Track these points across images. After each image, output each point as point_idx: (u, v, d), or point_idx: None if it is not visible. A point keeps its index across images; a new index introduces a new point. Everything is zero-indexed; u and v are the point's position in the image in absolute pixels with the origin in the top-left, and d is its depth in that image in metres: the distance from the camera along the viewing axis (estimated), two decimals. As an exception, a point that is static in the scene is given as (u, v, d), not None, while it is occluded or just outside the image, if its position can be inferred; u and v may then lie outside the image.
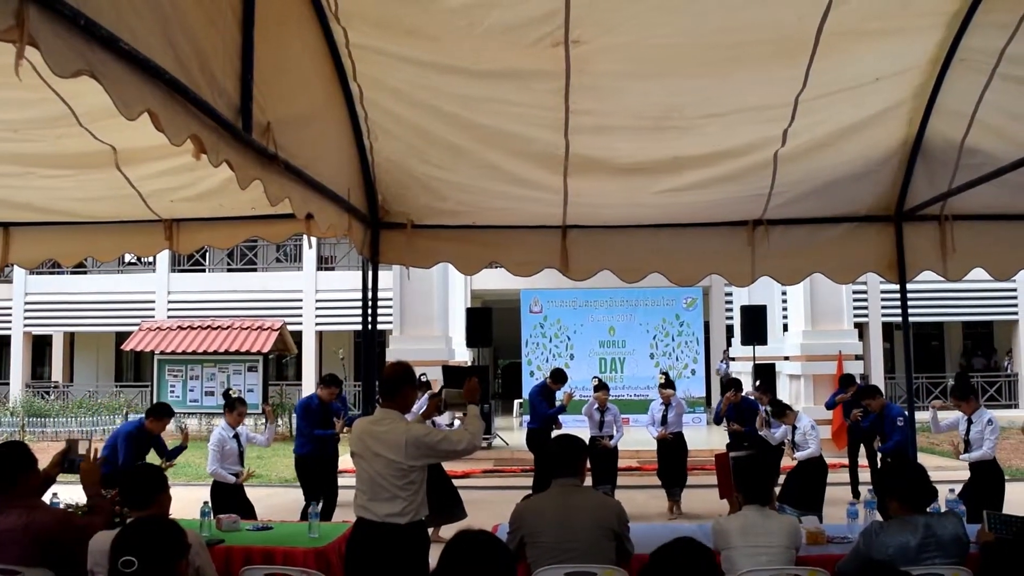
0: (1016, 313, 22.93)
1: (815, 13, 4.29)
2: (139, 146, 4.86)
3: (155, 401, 17.68)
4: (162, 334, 19.23)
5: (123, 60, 2.62)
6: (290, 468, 10.98)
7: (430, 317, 16.55)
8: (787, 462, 8.93)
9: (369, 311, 6.46)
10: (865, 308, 22.00)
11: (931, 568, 3.68)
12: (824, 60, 4.58)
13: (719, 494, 9.64)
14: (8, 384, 24.72)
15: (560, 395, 10.57)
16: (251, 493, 7.61)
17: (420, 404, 6.56)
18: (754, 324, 15.61)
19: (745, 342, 15.86)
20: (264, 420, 8.55)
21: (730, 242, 6.36)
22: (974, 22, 4.59)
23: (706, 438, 16.54)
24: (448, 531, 8.27)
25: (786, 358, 16.64)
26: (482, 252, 6.43)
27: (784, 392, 15.74)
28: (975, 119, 5.19)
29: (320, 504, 6.34)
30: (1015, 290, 22.51)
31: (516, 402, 21.81)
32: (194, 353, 18.69)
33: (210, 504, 6.09)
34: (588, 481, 8.61)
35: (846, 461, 11.44)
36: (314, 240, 6.61)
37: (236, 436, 7.55)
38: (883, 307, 22.11)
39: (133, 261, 25.39)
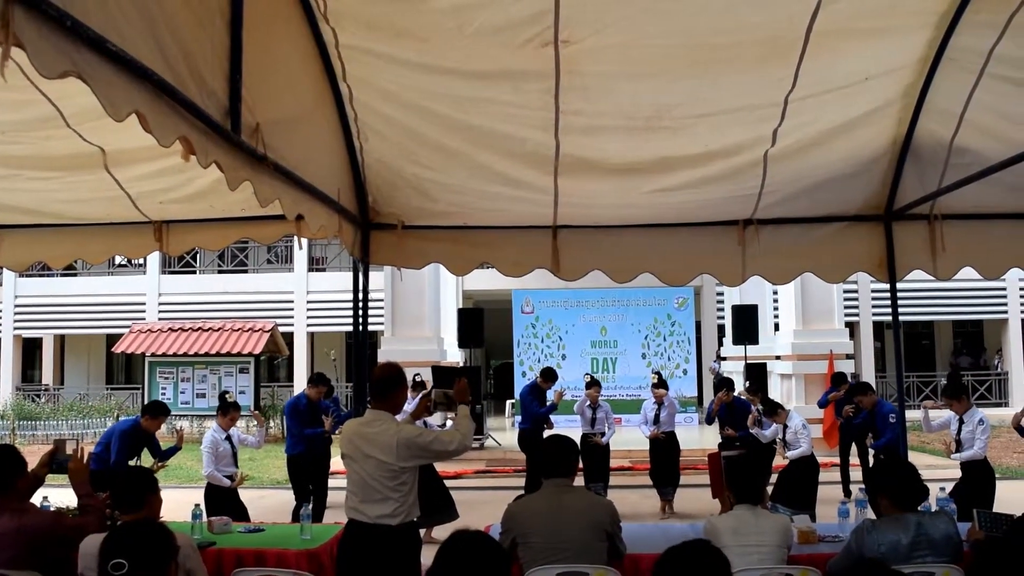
0: (1006, 312, 23.04)
1: (804, 13, 4.30)
2: (128, 147, 4.84)
3: (146, 404, 17.62)
4: (153, 336, 19.17)
5: (111, 61, 2.61)
6: (281, 470, 10.95)
7: (421, 318, 16.54)
8: (779, 461, 8.95)
9: (360, 312, 6.44)
10: (856, 307, 22.07)
11: (922, 567, 3.69)
12: (814, 60, 4.59)
13: (712, 493, 9.65)
14: (-2, 387, 24.62)
15: (551, 394, 10.57)
16: (242, 495, 7.59)
17: (412, 404, 6.55)
18: (745, 324, 15.63)
19: (736, 342, 15.88)
20: (254, 423, 8.54)
21: (721, 242, 6.36)
22: (963, 22, 4.61)
23: (698, 438, 16.56)
24: (440, 532, 8.26)
25: (777, 357, 16.68)
26: (473, 252, 6.43)
27: (775, 391, 15.77)
28: (964, 118, 5.20)
29: (311, 505, 6.33)
30: (1005, 289, 22.62)
31: (508, 402, 21.81)
32: (185, 355, 18.65)
33: (203, 506, 6.07)
34: (580, 480, 8.63)
35: (837, 460, 11.47)
36: (305, 241, 6.61)
37: (228, 438, 7.54)
38: (874, 306, 22.19)
39: (123, 263, 25.29)
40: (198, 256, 25.17)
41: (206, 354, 18.56)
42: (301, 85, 4.63)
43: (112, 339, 23.02)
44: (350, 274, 6.82)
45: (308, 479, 8.89)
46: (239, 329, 19.26)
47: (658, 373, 10.75)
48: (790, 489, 8.28)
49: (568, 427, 10.11)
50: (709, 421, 10.35)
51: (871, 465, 9.96)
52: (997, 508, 5.88)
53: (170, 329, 19.46)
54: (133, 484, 3.92)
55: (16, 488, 4.01)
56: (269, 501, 10.66)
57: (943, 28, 4.71)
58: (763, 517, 4.19)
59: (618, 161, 5.55)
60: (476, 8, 4.22)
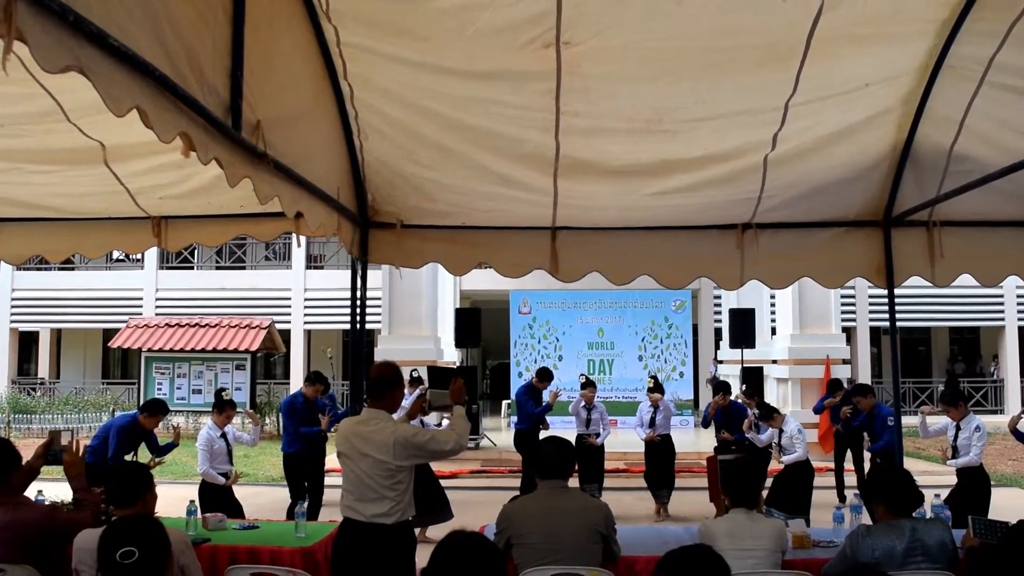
0: (1003, 319, 23.07)
1: (806, 18, 4.31)
2: (128, 142, 4.83)
3: (142, 399, 17.62)
4: (150, 331, 19.14)
5: (112, 56, 2.61)
6: (277, 467, 10.96)
7: (419, 317, 16.53)
8: (774, 465, 8.95)
9: (358, 310, 6.44)
10: (853, 313, 22.11)
11: (916, 573, 3.69)
12: (815, 65, 4.60)
13: (709, 497, 9.65)
14: (-7, 380, 24.58)
15: (546, 395, 10.56)
16: (237, 492, 7.59)
17: (409, 400, 6.56)
18: (742, 327, 15.63)
19: (733, 345, 15.88)
20: (249, 421, 8.54)
21: (719, 245, 6.37)
22: (963, 30, 4.62)
23: (694, 440, 16.56)
24: (435, 532, 8.26)
25: (774, 361, 16.68)
26: (472, 253, 6.43)
27: (771, 395, 15.78)
28: (964, 126, 5.21)
29: (306, 503, 6.33)
30: (1002, 296, 22.65)
31: (504, 403, 21.81)
32: (182, 351, 18.61)
33: (198, 503, 6.07)
34: (575, 481, 8.62)
35: (832, 465, 11.47)
36: (303, 239, 6.61)
37: (223, 435, 7.54)
38: (871, 312, 22.23)
39: (121, 258, 25.28)
40: (196, 252, 25.14)
41: (203, 350, 18.53)
42: (302, 83, 4.63)
43: (109, 334, 23.01)
44: (348, 272, 6.82)
45: (304, 477, 8.88)
46: (236, 326, 19.23)
47: (654, 377, 10.74)
48: (785, 494, 8.29)
49: (564, 428, 10.09)
50: (705, 425, 10.35)
51: (868, 470, 9.96)
52: (992, 515, 5.88)
53: (167, 324, 19.43)
54: (128, 480, 3.92)
55: (11, 482, 4.01)
56: (264, 498, 10.64)
57: (944, 36, 4.72)
58: (758, 521, 4.19)
59: (618, 163, 5.56)
60: (478, 8, 4.22)
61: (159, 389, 18.44)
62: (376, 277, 15.83)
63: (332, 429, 8.60)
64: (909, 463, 6.66)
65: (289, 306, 23.91)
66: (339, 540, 4.21)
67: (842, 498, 10.74)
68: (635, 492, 10.99)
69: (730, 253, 6.35)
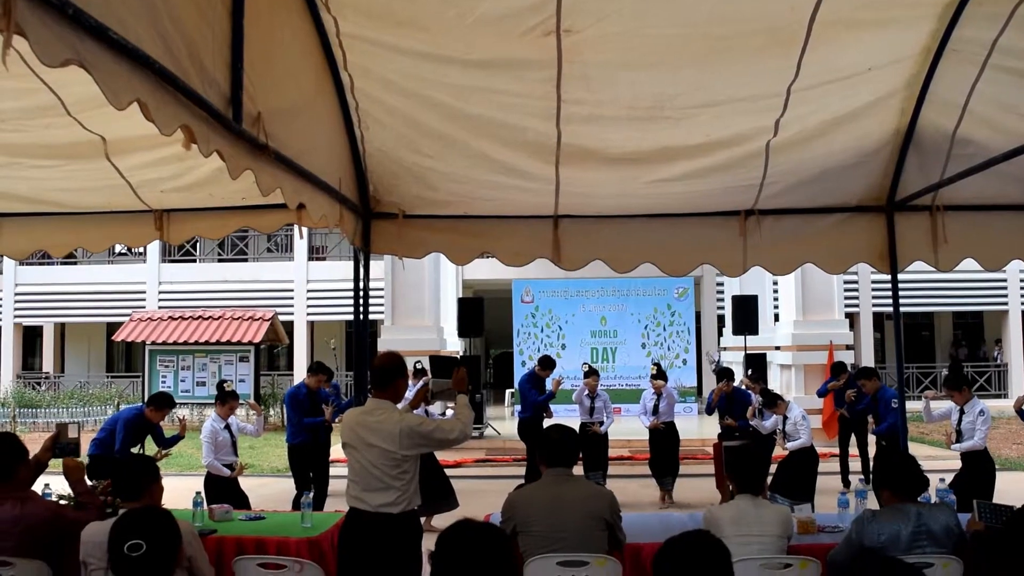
0: (1006, 303, 23.05)
1: (807, 3, 4.28)
2: (129, 136, 4.83)
3: (146, 392, 17.68)
4: (153, 324, 19.17)
5: (112, 50, 2.60)
6: (281, 458, 10.97)
7: (421, 307, 16.54)
8: (778, 452, 8.97)
9: (361, 301, 6.44)
10: (856, 298, 22.08)
11: (922, 557, 3.70)
12: (816, 50, 4.57)
13: (716, 483, 9.67)
14: (-1, 375, 24.65)
15: (549, 383, 10.57)
16: (243, 483, 7.61)
17: (413, 391, 6.56)
18: (745, 314, 15.62)
19: (736, 332, 15.88)
20: (253, 412, 8.54)
21: (722, 232, 6.35)
22: (966, 13, 4.59)
23: (698, 428, 16.59)
24: (440, 521, 8.29)
25: (777, 348, 16.68)
26: (474, 242, 6.42)
27: (775, 382, 15.79)
28: (967, 109, 5.19)
29: (312, 494, 6.34)
30: (1005, 280, 22.63)
31: (508, 391, 21.83)
32: (185, 343, 18.65)
33: (204, 495, 6.09)
34: (579, 469, 8.64)
35: (836, 450, 11.49)
36: (305, 230, 6.60)
37: (227, 427, 7.56)
38: (874, 297, 22.20)
39: (124, 251, 25.29)
40: (198, 245, 25.17)
41: (206, 342, 18.57)
42: (302, 74, 4.62)
43: (112, 327, 23.04)
44: (350, 263, 6.83)
45: (309, 468, 8.91)
46: (239, 318, 19.26)
47: (657, 364, 10.76)
48: (789, 480, 8.30)
49: (567, 416, 10.13)
50: (709, 411, 10.37)
51: (874, 455, 9.97)
52: (997, 499, 5.89)
53: (170, 317, 19.46)
54: (134, 472, 3.94)
55: (17, 476, 4.02)
56: (269, 489, 10.68)
57: (946, 19, 4.69)
58: (764, 507, 4.20)
59: (619, 151, 5.54)
60: (477, -3, 4.21)
61: (163, 382, 18.48)
62: (378, 268, 15.84)
63: (336, 419, 8.61)
64: (913, 448, 6.66)
65: (292, 298, 23.93)
66: (345, 530, 4.23)
67: (847, 483, 10.77)
68: (640, 479, 11.01)
69: (733, 240, 6.33)
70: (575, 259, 6.38)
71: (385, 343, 15.50)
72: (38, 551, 3.81)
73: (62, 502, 4.63)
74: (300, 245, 23.89)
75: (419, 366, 10.06)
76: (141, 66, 2.77)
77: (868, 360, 21.47)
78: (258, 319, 19.20)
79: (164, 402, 7.71)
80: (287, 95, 4.35)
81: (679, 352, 19.92)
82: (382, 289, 16.48)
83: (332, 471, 9.27)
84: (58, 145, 4.92)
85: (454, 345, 18.04)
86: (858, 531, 3.89)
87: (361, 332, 6.57)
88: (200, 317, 19.37)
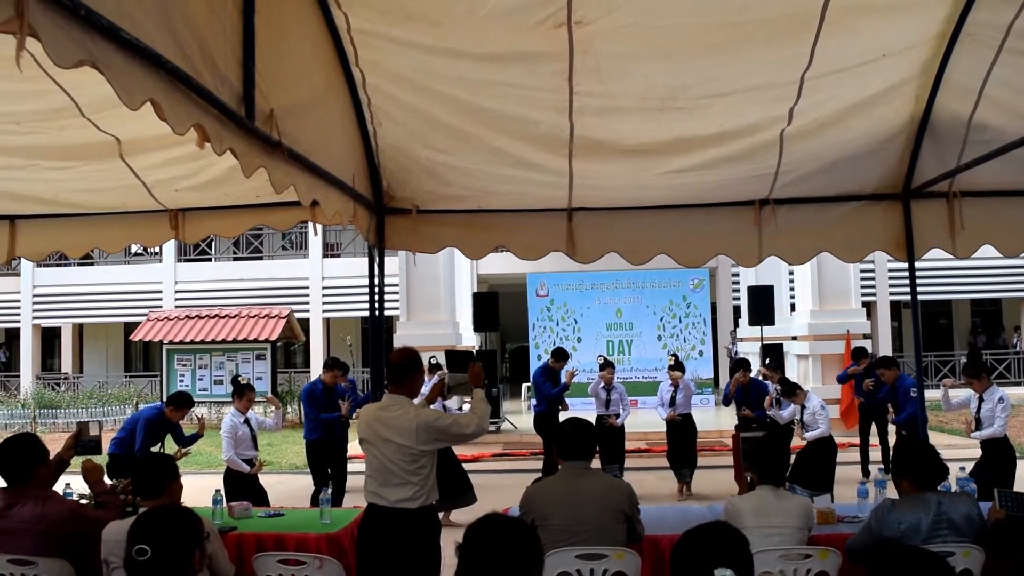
0: (1025, 290, 22.86)
1: (820, -10, 4.26)
2: (143, 136, 4.84)
3: (165, 391, 17.79)
4: (170, 324, 19.28)
5: (124, 50, 2.61)
6: (300, 455, 11.02)
7: (436, 302, 16.55)
8: (796, 442, 8.93)
9: (376, 297, 6.45)
10: (873, 287, 21.94)
11: (942, 547, 3.68)
12: (830, 37, 4.54)
13: (735, 475, 9.64)
14: (19, 376, 24.86)
15: (563, 375, 10.53)
16: (261, 480, 7.65)
17: (429, 387, 6.58)
18: (761, 304, 15.53)
19: (752, 323, 15.79)
20: (271, 408, 8.57)
21: (737, 222, 6.33)
22: (981, -4, 4.55)
23: (715, 419, 16.55)
24: (458, 515, 8.30)
25: (794, 338, 16.60)
26: (488, 236, 6.42)
27: (792, 372, 15.69)
28: (983, 94, 5.13)
29: (330, 490, 6.36)
30: (1023, 267, 22.42)
31: (524, 386, 21.84)
32: (202, 342, 18.74)
33: (223, 491, 6.12)
34: (596, 463, 8.63)
35: (855, 440, 11.43)
36: (319, 227, 6.61)
37: (247, 421, 7.59)
38: (891, 286, 22.06)
39: (140, 251, 25.45)
40: (213, 244, 25.30)
41: (223, 341, 18.65)
42: (314, 71, 4.63)
43: (130, 327, 23.18)
44: (365, 259, 6.85)
45: (327, 464, 8.92)
46: (255, 316, 19.34)
47: (675, 355, 10.72)
48: (808, 470, 8.26)
49: (584, 409, 10.11)
50: (726, 403, 10.33)
51: (895, 444, 9.92)
52: (1018, 487, 5.85)
53: (187, 316, 19.56)
54: (153, 471, 3.96)
55: (38, 476, 4.05)
56: (288, 486, 10.72)
57: (961, 3, 4.64)
58: (785, 499, 4.18)
59: (633, 142, 5.52)
60: (488, -9, 4.20)
61: (181, 381, 18.59)
62: (393, 263, 15.86)
63: (353, 415, 8.63)
64: (932, 436, 6.63)
65: (307, 295, 24.01)
66: (364, 526, 4.25)
67: (866, 473, 10.69)
68: (657, 472, 11.00)
69: (748, 230, 6.30)
70: (590, 252, 6.37)
71: (401, 339, 15.52)
72: (59, 550, 3.84)
73: (83, 501, 4.66)
74: (315, 242, 23.96)
75: (433, 361, 10.07)
76: (154, 66, 2.78)
77: (886, 349, 21.34)
78: (274, 317, 19.28)
79: (184, 401, 7.75)
80: (299, 92, 4.35)
81: (695, 344, 19.86)
82: (397, 285, 16.50)
83: (350, 467, 9.29)
84: (73, 146, 4.94)
85: (470, 340, 18.06)
86: (878, 519, 3.87)
87: (377, 328, 6.59)
88: (216, 316, 19.46)
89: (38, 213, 6.32)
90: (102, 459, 5.85)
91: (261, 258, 25.55)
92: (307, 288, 24.11)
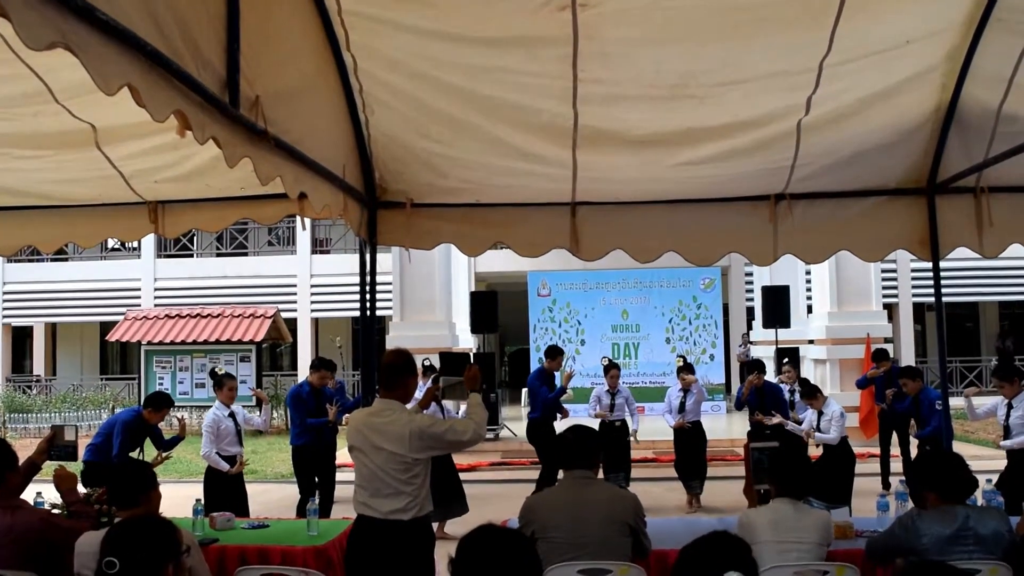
0: (1056, 292, 22.84)
1: (840, -29, 4.26)
2: (120, 124, 4.85)
3: (143, 394, 17.77)
4: (149, 323, 19.28)
5: (100, 31, 2.61)
6: (285, 462, 11.02)
7: (432, 302, 16.55)
8: (812, 451, 8.93)
9: (367, 296, 6.45)
10: (895, 288, 21.91)
11: (968, 563, 3.68)
12: (850, 22, 4.53)
13: (744, 488, 9.62)
14: (-13, 378, 24.85)
15: (559, 376, 10.41)
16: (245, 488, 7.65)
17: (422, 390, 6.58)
18: (776, 306, 15.52)
19: (767, 325, 15.78)
20: (258, 404, 8.53)
21: (751, 218, 6.32)
22: (1012, -21, 4.55)
23: (726, 427, 16.55)
24: (452, 527, 8.30)
25: (810, 342, 16.59)
26: (486, 232, 6.42)
27: (809, 378, 15.69)
28: (1013, 83, 5.13)
29: (317, 500, 6.36)
30: (1055, 267, 22.41)
31: (524, 390, 21.81)
32: (183, 343, 18.74)
33: (203, 494, 6.12)
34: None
35: (874, 450, 11.41)
36: (308, 222, 6.61)
37: (232, 415, 7.57)
38: (914, 287, 22.02)
39: (117, 247, 25.45)
40: (195, 239, 25.27)
41: (205, 342, 18.65)
42: (302, 55, 4.62)
43: (106, 327, 23.17)
44: (356, 256, 6.84)
45: (314, 472, 8.88)
46: (239, 315, 19.34)
47: (683, 357, 10.69)
48: (824, 481, 8.26)
49: (585, 416, 10.08)
50: (739, 407, 10.32)
51: (914, 456, 9.91)
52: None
53: (167, 316, 19.56)
54: (130, 479, 3.95)
55: (7, 484, 4.04)
56: (273, 495, 10.74)
57: (990, -14, 4.65)
58: (804, 513, 4.18)
59: (641, 133, 5.52)
60: (488, -30, 4.20)
61: (160, 383, 18.58)
62: (386, 260, 15.83)
63: (342, 421, 8.61)
64: (958, 447, 6.62)
65: (295, 293, 23.99)
66: (353, 538, 4.24)
67: (887, 485, 10.69)
68: (665, 483, 11.00)
69: (762, 226, 6.30)
70: (594, 249, 6.37)
71: (393, 340, 15.52)
72: (29, 562, 3.83)
73: (55, 511, 4.66)
74: (303, 238, 23.93)
75: (426, 363, 10.02)
76: (131, 48, 2.77)
77: (908, 354, 21.34)
78: (259, 316, 19.28)
79: (162, 402, 7.74)
80: (286, 78, 4.35)
81: (705, 347, 19.85)
82: (390, 283, 16.50)
83: (339, 476, 9.28)
84: (46, 134, 4.94)
85: (467, 342, 18.05)
86: (903, 526, 3.91)
87: (368, 329, 6.58)
88: (198, 315, 19.46)
89: (8, 205, 6.31)
90: (77, 467, 5.84)
91: (246, 254, 25.52)
92: (294, 286, 24.09)
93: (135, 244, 24.18)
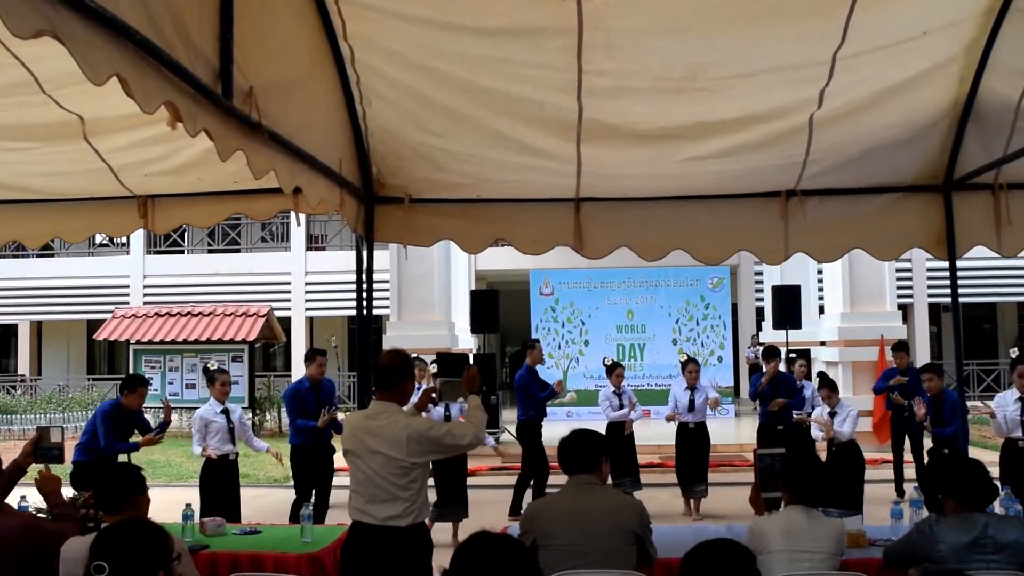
0: (1077, 292, 22.83)
1: (855, -40, 4.25)
2: (109, 115, 4.84)
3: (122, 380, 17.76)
4: (138, 322, 19.28)
5: (89, 19, 2.60)
6: (278, 467, 10.98)
7: (431, 300, 16.53)
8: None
9: (364, 294, 6.45)
10: (910, 288, 21.90)
11: (986, 573, 3.69)
12: (865, 12, 4.53)
13: (750, 496, 9.60)
14: (-29, 378, 24.87)
15: (551, 378, 10.37)
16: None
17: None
18: (787, 306, 15.51)
19: (777, 326, 15.78)
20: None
21: (761, 215, 6.32)
22: (1032, -32, 4.55)
23: (734, 431, 16.55)
24: (444, 533, 8.30)
25: (822, 343, 16.58)
26: (487, 228, 6.42)
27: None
28: (1034, 77, 5.14)
29: (312, 505, 6.35)
30: (1076, 267, 22.40)
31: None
32: (173, 342, 18.75)
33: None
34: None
35: (887, 456, 11.40)
36: (303, 217, 6.62)
37: (226, 411, 7.55)
38: (929, 287, 22.01)
39: (105, 242, 25.46)
40: (186, 234, 25.30)
41: (196, 341, 18.65)
42: (298, 46, 4.62)
43: (93, 325, 23.19)
44: (352, 253, 6.84)
45: (313, 472, 8.78)
46: (232, 314, 19.35)
47: (686, 353, 10.69)
48: (834, 486, 8.24)
49: (591, 420, 10.08)
50: (753, 398, 10.32)
51: (929, 462, 9.88)
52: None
53: (156, 314, 19.56)
54: (117, 483, 3.94)
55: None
56: (266, 500, 10.73)
57: (1010, -25, 4.65)
58: (817, 521, 4.17)
59: (647, 127, 5.52)
60: (490, -43, 4.19)
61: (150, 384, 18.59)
62: (383, 258, 15.85)
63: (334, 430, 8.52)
64: (974, 452, 6.61)
65: (289, 291, 24.02)
66: (348, 545, 4.23)
67: (900, 492, 10.67)
68: (671, 488, 10.96)
69: (773, 224, 6.30)
70: (599, 246, 6.37)
71: (391, 340, 15.50)
72: (12, 568, 3.83)
73: (39, 515, 4.66)
74: (297, 234, 23.95)
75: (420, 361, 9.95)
76: (121, 37, 2.77)
77: (923, 356, 21.32)
78: (252, 315, 19.28)
79: (136, 382, 7.74)
80: (281, 69, 4.35)
81: (713, 348, 19.83)
82: (387, 281, 16.49)
83: (334, 480, 9.25)
84: (32, 126, 4.94)
85: (467, 342, 18.04)
86: (920, 532, 3.93)
87: (364, 328, 6.59)
88: (189, 313, 19.47)
89: (-7, 199, 6.32)
90: (65, 468, 5.83)
91: (238, 251, 25.55)
92: (289, 284, 24.11)
93: (124, 240, 24.18)
